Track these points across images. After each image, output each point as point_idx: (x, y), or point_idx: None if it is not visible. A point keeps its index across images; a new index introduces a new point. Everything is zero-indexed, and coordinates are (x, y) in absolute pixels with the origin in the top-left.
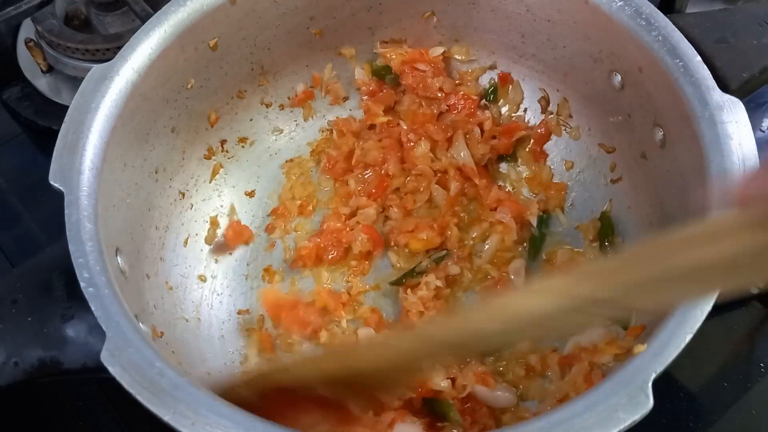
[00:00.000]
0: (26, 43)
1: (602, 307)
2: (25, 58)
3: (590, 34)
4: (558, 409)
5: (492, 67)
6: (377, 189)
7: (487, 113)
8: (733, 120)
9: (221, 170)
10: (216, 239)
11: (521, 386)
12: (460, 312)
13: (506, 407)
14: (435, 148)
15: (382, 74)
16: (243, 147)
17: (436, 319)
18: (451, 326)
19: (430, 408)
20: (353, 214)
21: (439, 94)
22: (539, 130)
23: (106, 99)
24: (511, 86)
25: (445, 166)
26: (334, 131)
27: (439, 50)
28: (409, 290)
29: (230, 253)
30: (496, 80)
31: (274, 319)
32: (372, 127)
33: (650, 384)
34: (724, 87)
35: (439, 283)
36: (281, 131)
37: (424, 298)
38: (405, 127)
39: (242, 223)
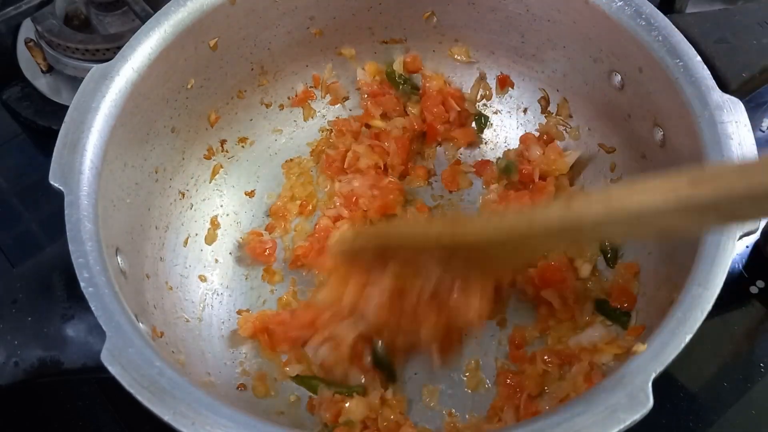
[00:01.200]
0: (26, 43)
1: (710, 214)
2: (25, 58)
3: (590, 34)
4: (558, 409)
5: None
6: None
7: None
8: (733, 120)
9: (221, 170)
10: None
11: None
12: (569, 199)
13: None
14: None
15: (394, 78)
16: (243, 147)
17: (545, 205)
18: (559, 211)
19: None
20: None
21: None
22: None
23: (106, 99)
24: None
25: None
26: (333, 131)
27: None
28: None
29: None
30: (496, 85)
31: (263, 342)
32: (368, 125)
33: (650, 384)
34: (724, 87)
35: None
36: (281, 131)
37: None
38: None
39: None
